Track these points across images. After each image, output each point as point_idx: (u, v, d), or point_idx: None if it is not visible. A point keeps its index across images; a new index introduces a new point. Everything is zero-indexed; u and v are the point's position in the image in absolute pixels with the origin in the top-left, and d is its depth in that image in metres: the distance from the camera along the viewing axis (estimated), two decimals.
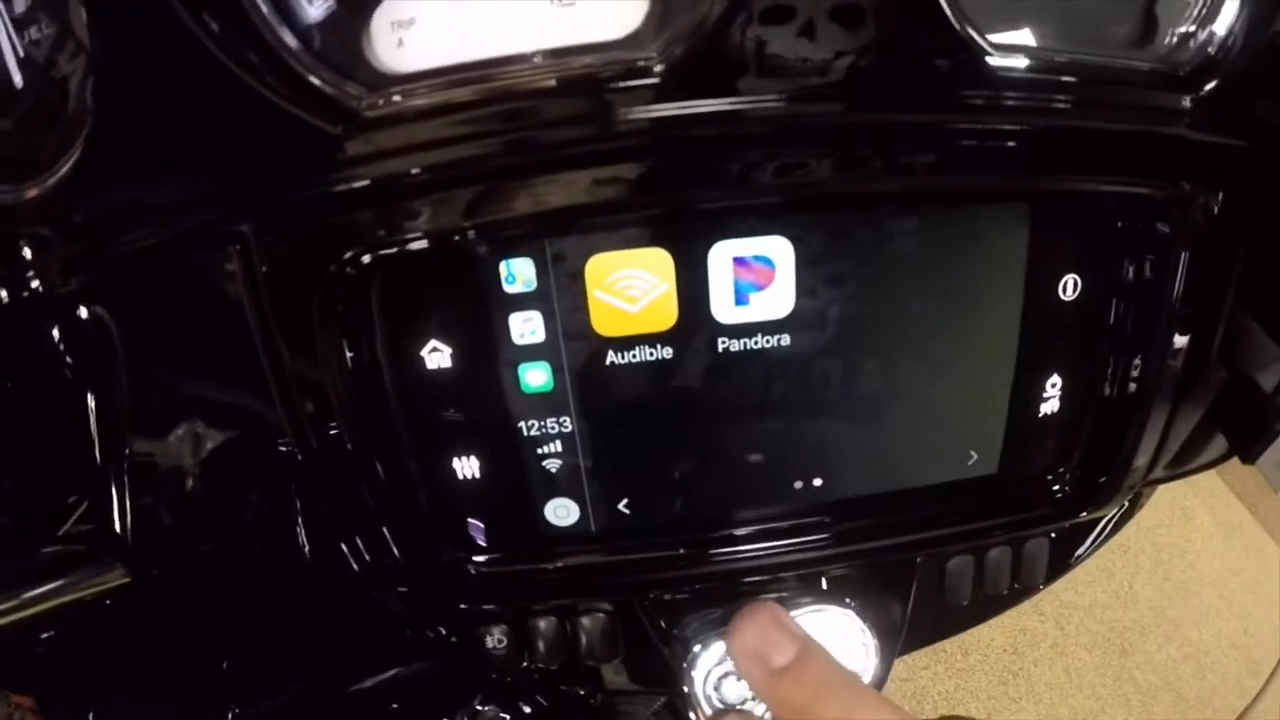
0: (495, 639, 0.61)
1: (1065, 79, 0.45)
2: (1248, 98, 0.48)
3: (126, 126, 0.42)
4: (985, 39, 0.42)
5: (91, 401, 0.50)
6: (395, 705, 0.77)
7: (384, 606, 0.62)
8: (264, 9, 0.39)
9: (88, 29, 0.40)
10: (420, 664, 0.76)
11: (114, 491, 0.52)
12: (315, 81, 0.40)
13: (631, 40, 0.40)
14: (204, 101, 0.41)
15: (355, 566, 0.56)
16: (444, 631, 0.64)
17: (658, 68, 0.40)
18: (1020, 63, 0.43)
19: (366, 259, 0.44)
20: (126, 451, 0.51)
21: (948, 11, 0.41)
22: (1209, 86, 0.46)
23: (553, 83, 0.40)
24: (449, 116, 0.41)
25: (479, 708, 0.76)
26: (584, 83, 0.40)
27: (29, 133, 0.43)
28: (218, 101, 0.40)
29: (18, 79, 0.42)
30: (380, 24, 0.40)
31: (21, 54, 0.42)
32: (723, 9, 0.39)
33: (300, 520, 0.57)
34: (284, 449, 0.52)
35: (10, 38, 0.42)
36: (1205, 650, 2.76)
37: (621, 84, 0.40)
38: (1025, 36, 0.44)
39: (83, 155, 0.41)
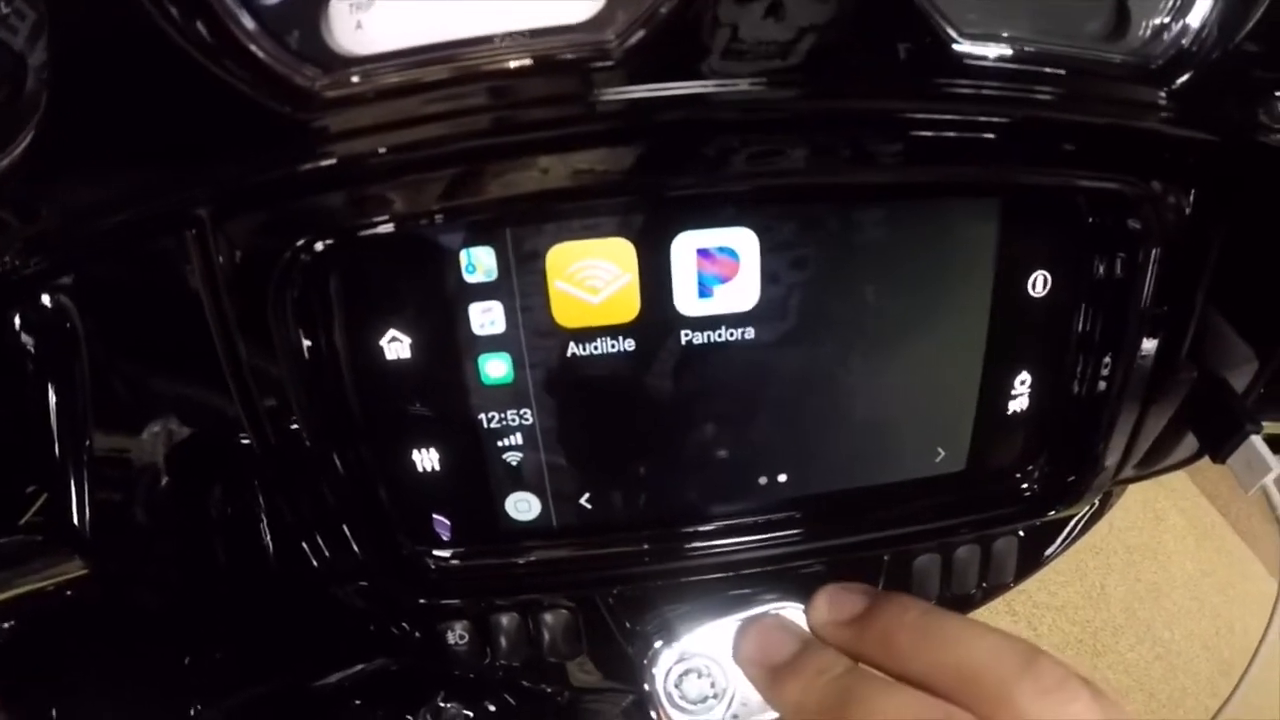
0: (457, 635, 0.60)
1: (1035, 69, 0.44)
2: (1222, 92, 0.47)
3: (81, 108, 0.41)
4: (955, 26, 0.42)
5: (51, 391, 0.49)
6: (358, 701, 0.76)
7: (346, 603, 0.62)
8: None
9: (45, 7, 0.39)
10: (383, 660, 0.75)
11: (72, 483, 0.51)
12: (271, 63, 0.39)
13: (593, 23, 0.39)
14: (159, 83, 0.40)
15: (315, 562, 0.55)
16: (406, 627, 0.63)
17: (618, 50, 0.39)
18: (990, 51, 0.43)
19: (323, 245, 0.43)
20: (86, 443, 0.51)
21: None
22: (1182, 80, 0.46)
23: (511, 65, 0.39)
24: (406, 99, 0.40)
25: (442, 705, 0.76)
26: (543, 66, 0.40)
27: None
28: (173, 83, 0.39)
29: None
30: (338, 6, 0.39)
31: None
32: None
33: (263, 515, 0.57)
34: (245, 443, 0.51)
35: None
36: (1177, 651, 2.78)
37: (581, 67, 0.40)
38: (996, 25, 0.44)
39: (36, 136, 0.41)
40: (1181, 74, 0.46)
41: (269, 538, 0.58)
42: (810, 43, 0.40)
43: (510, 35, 0.40)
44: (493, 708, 0.76)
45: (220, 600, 0.63)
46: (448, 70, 0.40)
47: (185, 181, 0.42)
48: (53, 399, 0.49)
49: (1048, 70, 0.45)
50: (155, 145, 0.42)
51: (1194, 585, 3.02)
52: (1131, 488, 0.73)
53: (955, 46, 0.42)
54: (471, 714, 0.75)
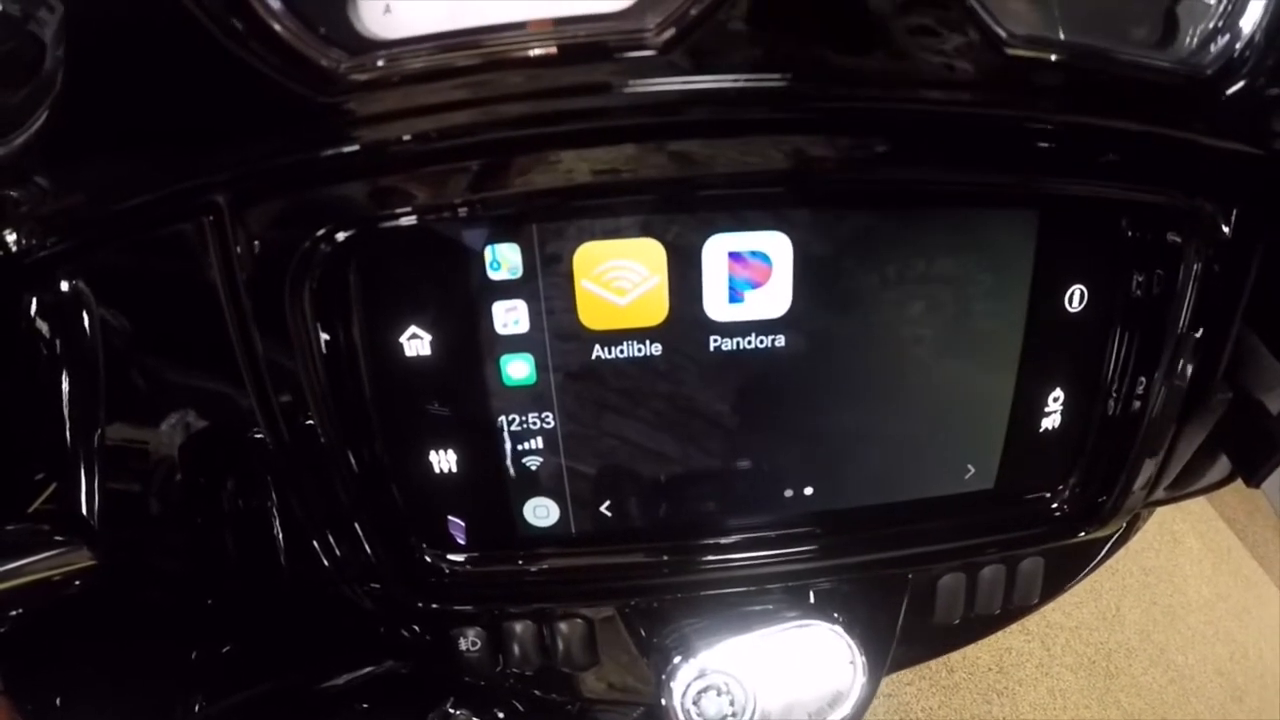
0: (469, 641, 0.59)
1: (1084, 75, 0.43)
2: (1268, 103, 0.46)
3: (98, 87, 0.40)
4: (1003, 26, 0.40)
5: (65, 378, 0.49)
6: (366, 704, 0.76)
7: (356, 603, 0.61)
8: None
9: None
10: (393, 663, 0.74)
11: (82, 472, 0.51)
12: (296, 44, 0.38)
13: (630, 12, 0.38)
14: (179, 63, 0.39)
15: (325, 561, 0.54)
16: (417, 631, 0.63)
17: (655, 40, 0.38)
18: (1039, 55, 0.42)
19: (343, 236, 0.42)
20: (97, 432, 0.50)
21: None
22: (1231, 90, 0.44)
23: (544, 53, 0.38)
24: (434, 85, 0.39)
25: (451, 711, 0.75)
26: (577, 54, 0.38)
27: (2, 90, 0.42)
28: (194, 63, 0.39)
29: None
30: None
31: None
32: None
33: (275, 512, 0.56)
34: (259, 438, 0.50)
35: None
36: (1190, 675, 2.76)
37: (617, 56, 0.38)
38: (1044, 28, 0.42)
39: (51, 115, 0.40)
40: (1231, 84, 0.44)
41: (280, 534, 0.57)
42: (853, 40, 0.39)
43: (543, 22, 0.39)
44: (502, 715, 0.75)
45: (228, 596, 0.63)
46: (477, 57, 0.38)
47: (204, 165, 0.42)
48: (66, 386, 0.49)
49: (1096, 76, 0.43)
50: (174, 126, 0.41)
51: (1209, 609, 3.01)
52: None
53: (1006, 49, 0.40)
54: None
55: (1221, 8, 0.44)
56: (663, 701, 0.60)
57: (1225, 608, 3.04)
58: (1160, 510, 0.72)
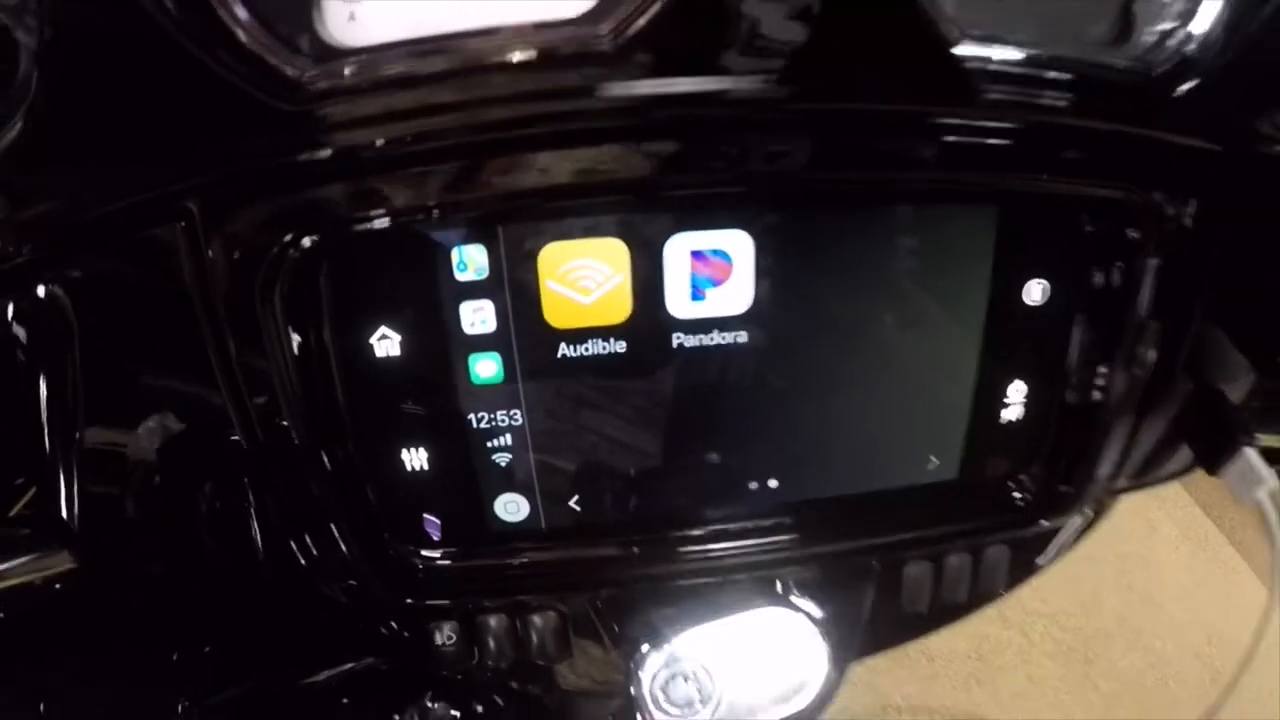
0: (445, 636, 0.60)
1: (1038, 73, 0.44)
2: (1225, 101, 0.47)
3: (72, 96, 0.41)
4: (958, 28, 0.41)
5: (43, 384, 0.49)
6: (346, 700, 0.77)
7: (333, 601, 0.62)
8: None
9: None
10: (371, 660, 0.75)
11: (61, 476, 0.51)
12: (261, 53, 0.39)
13: (588, 17, 0.39)
14: (150, 72, 0.40)
15: (302, 560, 0.55)
16: (394, 627, 0.64)
17: (612, 45, 0.39)
18: (993, 54, 0.43)
19: (311, 241, 0.43)
20: (76, 436, 0.51)
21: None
22: (1185, 88, 0.46)
23: (506, 59, 0.39)
24: (396, 92, 0.40)
25: (429, 705, 0.76)
26: (538, 61, 0.39)
27: None
28: (164, 72, 0.39)
29: None
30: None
31: None
32: None
33: (252, 512, 0.57)
34: (235, 440, 0.51)
35: None
36: (1168, 660, 2.79)
37: (575, 62, 0.39)
38: (999, 27, 0.43)
39: (26, 123, 0.40)
40: (1184, 82, 0.46)
41: (258, 535, 0.58)
42: (806, 41, 0.40)
43: (505, 29, 0.40)
44: (480, 708, 0.76)
45: (207, 596, 0.63)
46: (439, 64, 0.40)
47: (176, 172, 0.43)
48: (44, 391, 0.49)
49: (1050, 75, 0.45)
50: (146, 134, 0.42)
51: (1187, 595, 3.03)
52: (1125, 496, 0.73)
53: (957, 50, 0.42)
54: (459, 714, 0.75)
55: (1176, 7, 0.45)
56: (632, 690, 0.61)
57: (1203, 593, 3.07)
58: (1136, 496, 0.73)
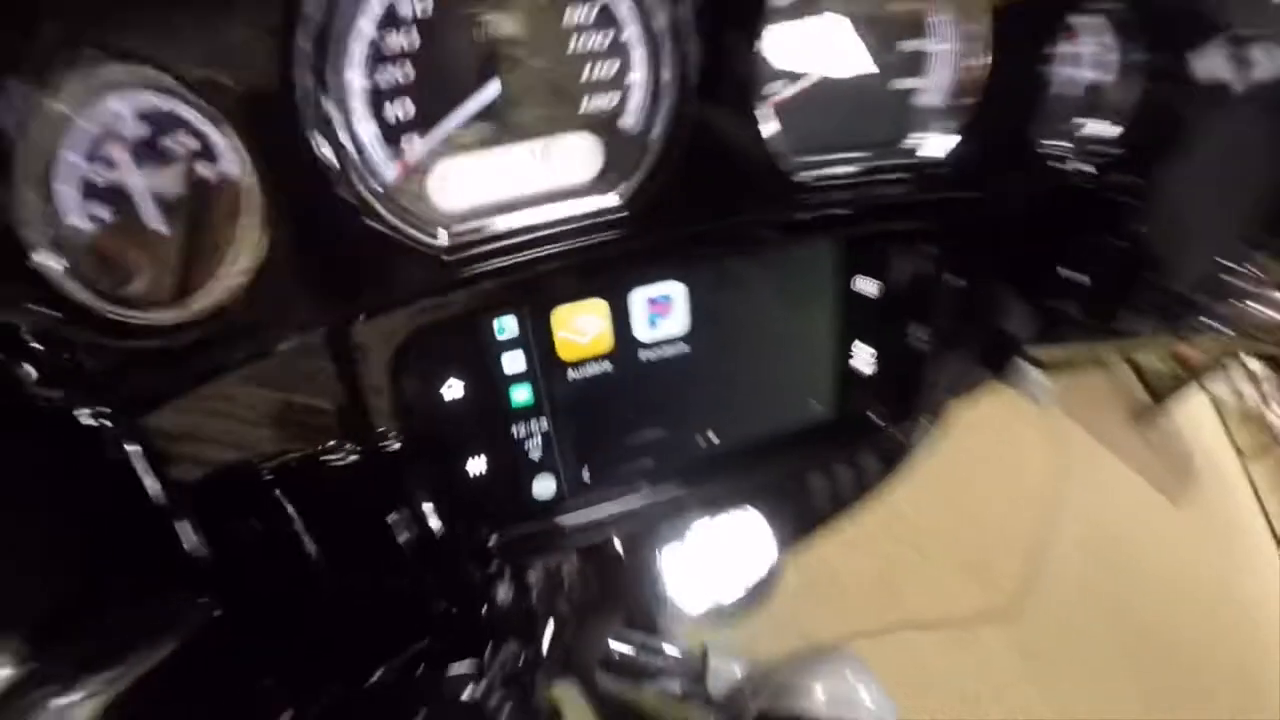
0: (503, 593, 0.83)
1: (850, 174, 0.71)
2: (972, 167, 0.74)
3: (290, 266, 0.60)
4: (792, 162, 0.67)
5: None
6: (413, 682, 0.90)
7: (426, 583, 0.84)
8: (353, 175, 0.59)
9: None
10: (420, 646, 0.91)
11: (196, 534, 0.67)
12: (393, 220, 0.60)
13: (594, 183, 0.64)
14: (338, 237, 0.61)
15: (408, 553, 0.75)
16: (462, 596, 0.86)
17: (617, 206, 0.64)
18: (817, 173, 0.69)
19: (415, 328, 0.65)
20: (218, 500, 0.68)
21: (769, 149, 0.65)
22: (944, 168, 0.73)
23: (546, 221, 0.64)
24: (484, 246, 0.63)
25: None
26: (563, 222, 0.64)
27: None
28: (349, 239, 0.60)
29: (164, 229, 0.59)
30: (433, 181, 0.62)
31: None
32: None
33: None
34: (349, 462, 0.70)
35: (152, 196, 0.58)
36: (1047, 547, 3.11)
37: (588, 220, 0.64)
38: (820, 151, 0.70)
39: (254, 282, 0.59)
40: (943, 168, 0.73)
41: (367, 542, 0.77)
42: (696, 195, 0.66)
43: (537, 196, 0.64)
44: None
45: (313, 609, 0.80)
46: (504, 227, 0.63)
47: (353, 303, 0.63)
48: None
49: (863, 177, 0.71)
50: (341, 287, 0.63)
51: (1060, 495, 3.37)
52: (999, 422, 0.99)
53: (794, 177, 0.68)
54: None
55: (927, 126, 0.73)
56: (653, 591, 0.87)
57: (1077, 490, 3.35)
58: (1004, 423, 0.96)
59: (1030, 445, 3.46)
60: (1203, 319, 0.90)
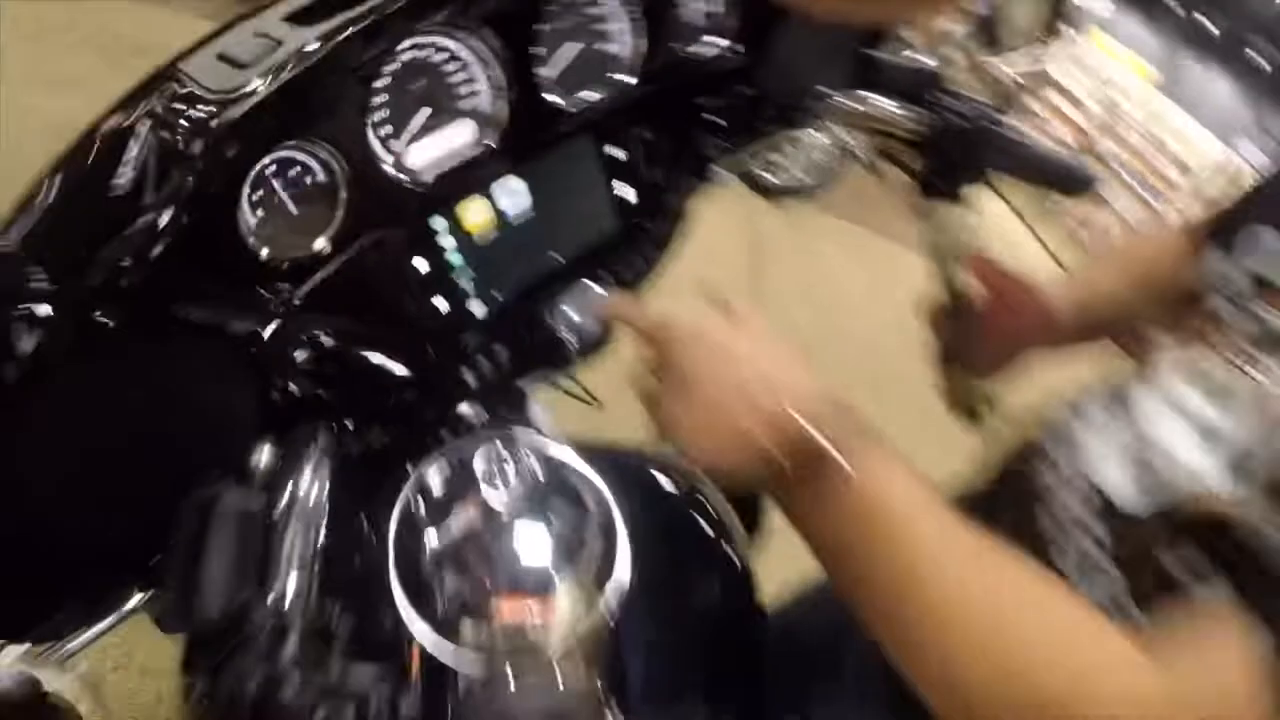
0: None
1: (592, 100, 1.32)
2: (654, 80, 1.36)
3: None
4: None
5: None
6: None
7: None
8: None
9: None
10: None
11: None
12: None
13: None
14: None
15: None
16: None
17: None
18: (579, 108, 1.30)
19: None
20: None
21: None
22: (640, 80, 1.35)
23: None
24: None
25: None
26: None
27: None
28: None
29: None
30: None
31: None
32: None
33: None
34: None
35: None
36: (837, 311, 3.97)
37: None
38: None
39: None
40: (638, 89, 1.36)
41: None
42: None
43: None
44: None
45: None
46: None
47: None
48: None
49: (601, 104, 1.32)
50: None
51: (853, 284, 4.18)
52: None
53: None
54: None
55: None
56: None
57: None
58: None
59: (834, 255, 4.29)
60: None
